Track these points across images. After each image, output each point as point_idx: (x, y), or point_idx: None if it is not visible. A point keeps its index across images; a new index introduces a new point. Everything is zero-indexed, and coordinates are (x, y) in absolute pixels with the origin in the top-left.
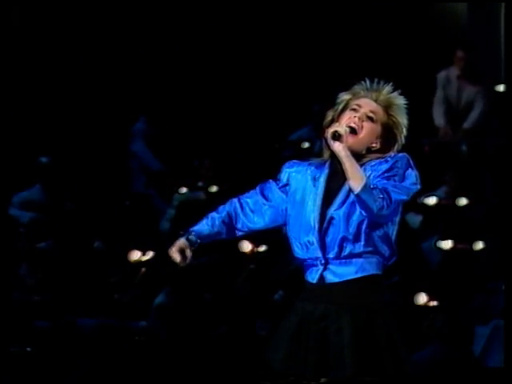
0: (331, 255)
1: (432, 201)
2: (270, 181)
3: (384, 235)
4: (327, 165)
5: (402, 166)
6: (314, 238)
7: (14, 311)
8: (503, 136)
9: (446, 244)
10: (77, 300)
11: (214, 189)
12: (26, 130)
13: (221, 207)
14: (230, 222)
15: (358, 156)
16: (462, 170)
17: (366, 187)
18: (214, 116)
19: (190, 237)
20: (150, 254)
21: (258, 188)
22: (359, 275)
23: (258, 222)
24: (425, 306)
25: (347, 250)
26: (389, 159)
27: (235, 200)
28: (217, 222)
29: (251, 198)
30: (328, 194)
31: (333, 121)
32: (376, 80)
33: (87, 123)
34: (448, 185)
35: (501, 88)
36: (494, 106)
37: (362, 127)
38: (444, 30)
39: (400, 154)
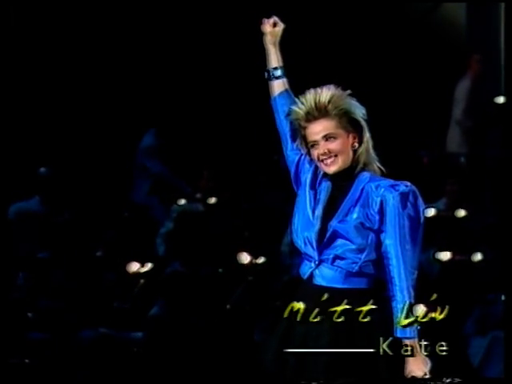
0: (325, 260)
1: (431, 212)
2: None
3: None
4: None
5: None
6: (312, 237)
7: (12, 322)
8: (502, 147)
9: (445, 255)
10: (76, 311)
11: (213, 200)
12: (26, 141)
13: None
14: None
15: (355, 164)
16: (460, 181)
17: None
18: (212, 128)
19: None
20: (148, 266)
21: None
22: (346, 286)
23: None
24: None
25: (342, 262)
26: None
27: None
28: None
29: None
30: (331, 202)
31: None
32: (304, 94)
33: (86, 134)
34: (447, 196)
35: (501, 99)
36: (494, 117)
37: (336, 152)
38: (443, 31)
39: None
